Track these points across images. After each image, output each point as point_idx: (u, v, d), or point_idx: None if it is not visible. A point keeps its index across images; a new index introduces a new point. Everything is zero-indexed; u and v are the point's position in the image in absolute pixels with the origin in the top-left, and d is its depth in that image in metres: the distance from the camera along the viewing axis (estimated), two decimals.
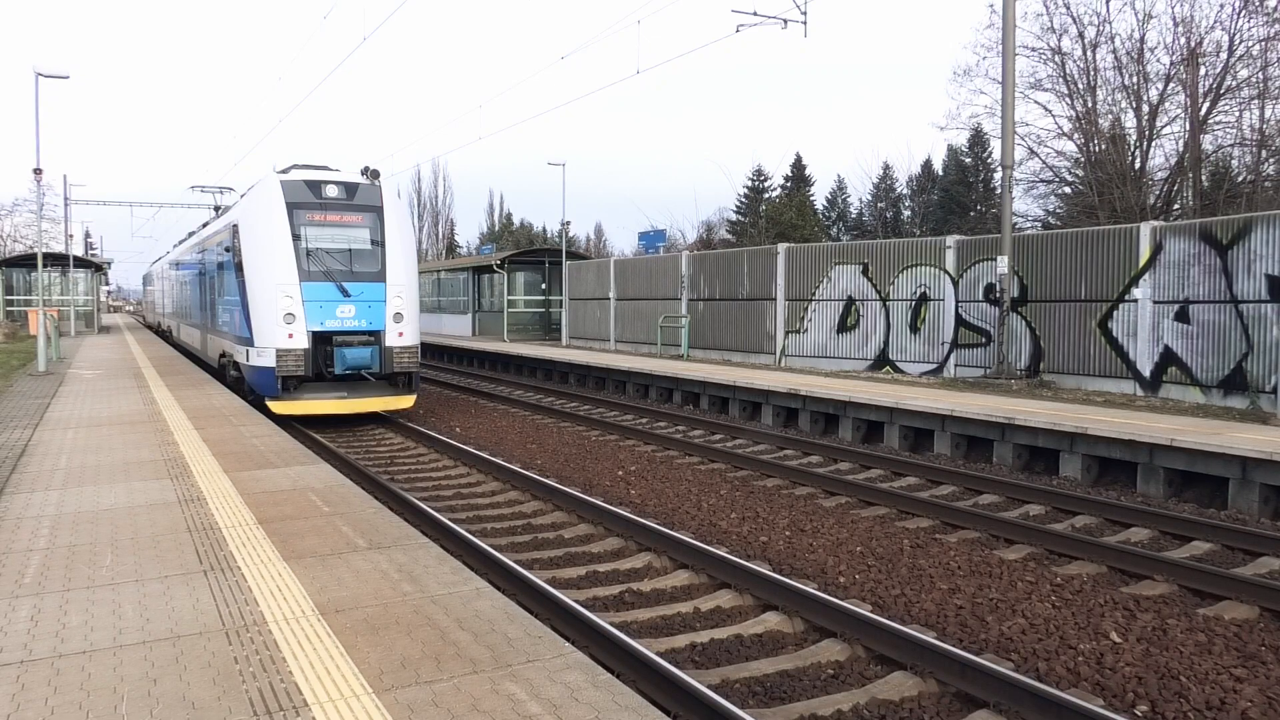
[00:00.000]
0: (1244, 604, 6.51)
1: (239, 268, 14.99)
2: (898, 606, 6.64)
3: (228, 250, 16.19)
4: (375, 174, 15.25)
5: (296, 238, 14.23)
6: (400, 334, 14.64)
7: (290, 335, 13.94)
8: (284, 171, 15.22)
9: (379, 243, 14.81)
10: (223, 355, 17.54)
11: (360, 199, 14.88)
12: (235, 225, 15.47)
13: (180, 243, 29.30)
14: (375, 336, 14.43)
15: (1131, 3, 47.32)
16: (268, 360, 13.96)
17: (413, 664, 4.01)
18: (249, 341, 14.52)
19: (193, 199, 44.90)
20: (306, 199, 14.52)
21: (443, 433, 14.53)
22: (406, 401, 14.92)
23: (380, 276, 14.63)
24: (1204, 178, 28.25)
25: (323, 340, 14.16)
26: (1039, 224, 34.78)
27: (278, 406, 14.01)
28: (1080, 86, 29.23)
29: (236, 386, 15.97)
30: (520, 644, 4.23)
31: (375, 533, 6.21)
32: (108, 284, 77.86)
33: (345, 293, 14.30)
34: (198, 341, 22.39)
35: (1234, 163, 29.48)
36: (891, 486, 10.55)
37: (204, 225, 23.87)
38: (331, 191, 14.71)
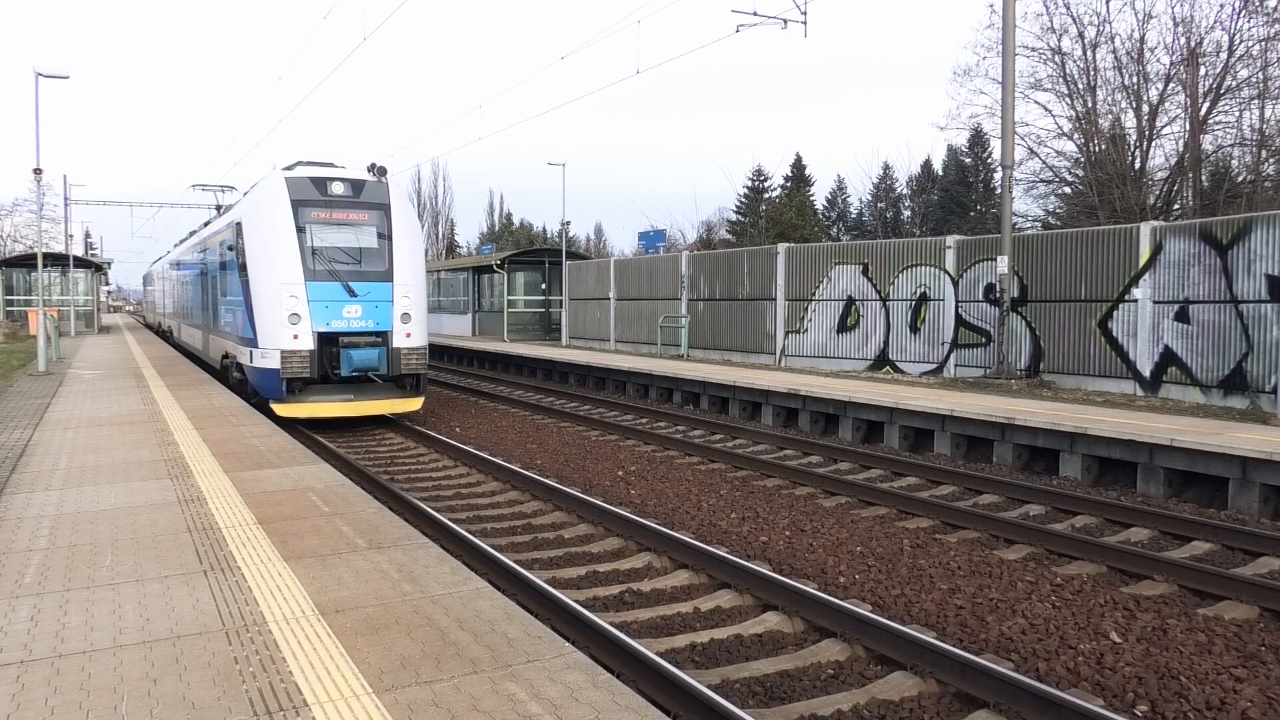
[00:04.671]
0: (1244, 604, 6.51)
1: (242, 267, 14.69)
2: (898, 606, 6.64)
3: (231, 249, 15.91)
4: (382, 171, 15.01)
5: (301, 236, 13.96)
6: (408, 335, 14.37)
7: (295, 336, 13.68)
8: (289, 168, 14.95)
9: (386, 241, 14.53)
10: (225, 356, 17.31)
11: (367, 196, 14.61)
12: (239, 223, 15.16)
13: (181, 242, 29.08)
14: (382, 337, 14.16)
15: (1131, 3, 47.35)
16: (272, 362, 13.69)
17: (413, 664, 4.01)
18: (253, 342, 14.25)
19: (193, 199, 44.96)
20: (312, 196, 14.24)
21: (443, 433, 14.52)
22: (414, 404, 14.69)
23: (387, 276, 14.38)
24: (1204, 178, 28.24)
25: (328, 341, 13.88)
26: (1039, 224, 34.77)
27: (282, 409, 13.77)
28: (1080, 86, 29.24)
29: (239, 388, 15.70)
30: (520, 644, 4.23)
31: (375, 533, 6.21)
32: (108, 284, 77.90)
33: (351, 292, 14.05)
34: (199, 342, 22.12)
35: (1234, 163, 29.46)
36: (891, 486, 10.55)
37: (206, 224, 23.62)
38: (337, 189, 14.43)
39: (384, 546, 5.87)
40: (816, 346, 20.31)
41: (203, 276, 20.71)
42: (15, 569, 5.43)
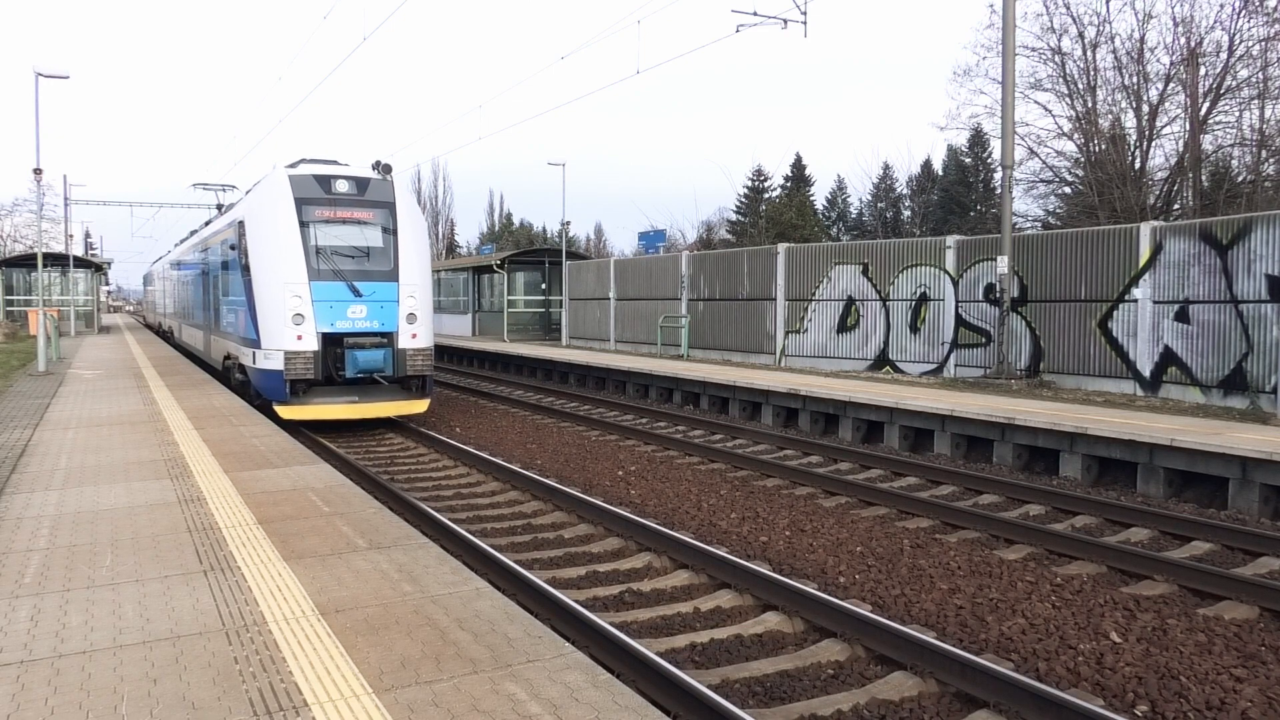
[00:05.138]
0: (1244, 604, 6.51)
1: (245, 266, 14.44)
2: (898, 606, 6.64)
3: (233, 248, 15.61)
4: (387, 169, 14.69)
5: (305, 235, 13.68)
6: (414, 335, 14.12)
7: (299, 337, 13.42)
8: (292, 166, 14.70)
9: (391, 240, 14.27)
10: (227, 358, 17.01)
11: (372, 194, 14.34)
12: (241, 222, 14.86)
13: (182, 241, 28.86)
14: (388, 338, 13.91)
15: (1131, 3, 47.33)
16: (275, 363, 13.44)
17: (413, 664, 4.02)
18: (255, 343, 13.98)
19: (194, 198, 44.98)
20: (316, 194, 13.97)
21: (443, 433, 14.51)
22: (420, 406, 14.45)
23: (393, 275, 14.10)
24: (1204, 178, 28.24)
25: (333, 342, 13.62)
26: (1039, 224, 34.77)
27: (286, 411, 13.52)
28: (1080, 86, 29.24)
29: (241, 390, 15.45)
30: (520, 644, 4.23)
31: (375, 533, 6.21)
32: (108, 284, 77.89)
33: (356, 292, 13.76)
34: (200, 343, 21.88)
35: (1234, 163, 29.47)
36: (891, 486, 10.55)
37: (207, 223, 23.39)
38: (342, 187, 14.16)
39: (384, 546, 5.87)
40: (816, 346, 20.31)
41: (204, 276, 20.46)
42: (15, 569, 5.43)
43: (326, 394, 13.80)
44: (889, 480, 11.10)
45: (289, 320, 13.43)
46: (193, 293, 23.31)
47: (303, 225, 13.72)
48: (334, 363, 13.68)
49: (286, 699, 3.68)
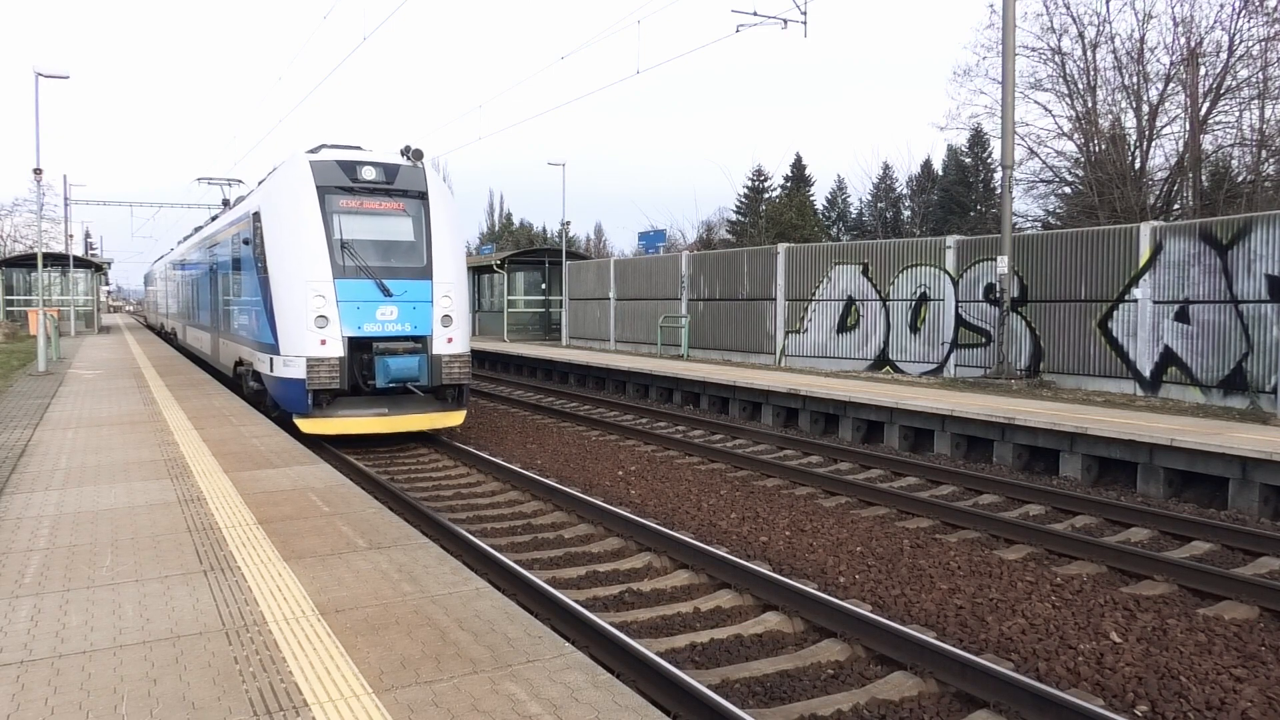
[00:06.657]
0: (1244, 604, 6.51)
1: (261, 263, 13.10)
2: (898, 606, 6.64)
3: (246, 243, 14.27)
4: (418, 154, 13.35)
5: (329, 227, 12.36)
6: (449, 340, 12.77)
7: (323, 342, 12.09)
8: (313, 151, 13.35)
9: (424, 234, 12.95)
10: (239, 363, 15.66)
11: (402, 183, 13.01)
12: (256, 213, 13.47)
13: (188, 237, 27.82)
14: (421, 343, 12.59)
15: (1131, 3, 47.37)
16: (296, 371, 12.13)
17: (413, 664, 4.02)
18: (273, 348, 12.65)
19: (195, 197, 45.04)
20: (340, 182, 12.66)
21: (442, 432, 14.51)
22: (456, 419, 13.05)
23: (426, 273, 12.77)
24: (1204, 178, 28.24)
25: (360, 347, 12.31)
26: (1039, 224, 34.77)
27: (308, 425, 12.17)
28: (1080, 86, 29.24)
29: (255, 399, 14.06)
30: (520, 644, 4.23)
31: (375, 533, 6.21)
32: (108, 284, 77.91)
33: (386, 292, 12.43)
34: (208, 346, 20.49)
35: (1234, 163, 29.47)
36: (891, 486, 10.54)
37: (214, 219, 22.40)
38: (369, 174, 12.84)
39: (384, 546, 5.87)
40: (816, 346, 20.31)
41: (213, 274, 19.04)
42: (15, 569, 5.43)
43: (352, 405, 12.46)
44: (889, 480, 11.10)
45: (311, 323, 12.12)
46: (200, 292, 21.91)
47: (326, 216, 12.41)
48: (361, 370, 12.37)
49: (286, 699, 3.68)
